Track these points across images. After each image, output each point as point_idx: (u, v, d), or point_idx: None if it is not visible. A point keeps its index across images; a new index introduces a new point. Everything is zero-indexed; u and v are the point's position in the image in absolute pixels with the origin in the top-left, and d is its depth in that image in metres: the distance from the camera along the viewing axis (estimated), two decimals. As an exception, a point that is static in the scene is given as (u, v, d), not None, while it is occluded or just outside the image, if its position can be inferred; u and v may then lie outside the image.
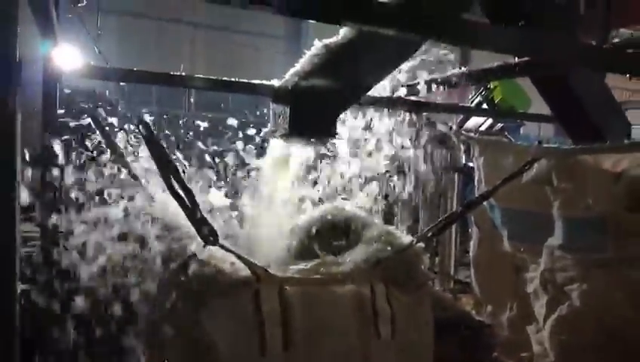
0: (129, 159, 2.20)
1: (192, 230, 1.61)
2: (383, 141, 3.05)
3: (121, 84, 7.85)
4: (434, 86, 2.87)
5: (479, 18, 2.12)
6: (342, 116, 2.42)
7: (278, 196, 2.34)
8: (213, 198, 2.17)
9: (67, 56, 2.40)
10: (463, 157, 3.90)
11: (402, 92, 3.02)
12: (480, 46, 1.36)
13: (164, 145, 1.54)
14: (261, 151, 2.36)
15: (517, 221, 2.69)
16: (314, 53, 2.04)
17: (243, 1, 1.15)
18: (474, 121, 4.61)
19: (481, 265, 3.01)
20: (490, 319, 2.81)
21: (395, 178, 3.36)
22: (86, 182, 2.21)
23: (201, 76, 2.69)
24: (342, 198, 2.61)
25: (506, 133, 3.82)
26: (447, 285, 3.95)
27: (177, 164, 1.55)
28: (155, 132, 1.50)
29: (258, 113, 9.93)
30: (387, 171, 3.22)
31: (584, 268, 2.27)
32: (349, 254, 2.00)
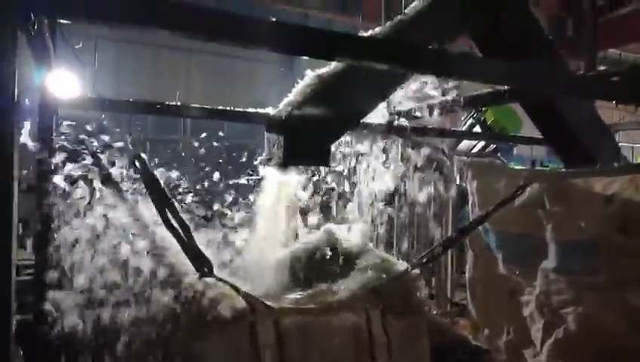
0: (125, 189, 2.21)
1: (188, 262, 1.61)
2: (377, 165, 3.08)
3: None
4: (427, 111, 2.91)
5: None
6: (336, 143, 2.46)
7: (274, 223, 2.35)
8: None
9: (63, 86, 2.43)
10: (457, 179, 3.94)
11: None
12: (467, 78, 1.41)
13: (160, 179, 1.56)
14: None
15: (511, 244, 2.70)
16: (307, 84, 2.08)
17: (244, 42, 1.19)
18: (467, 143, 4.66)
19: (477, 288, 3.01)
20: (487, 343, 2.80)
21: (390, 202, 3.38)
22: (79, 212, 2.21)
23: (196, 106, 2.72)
24: (337, 224, 2.62)
25: (499, 155, 3.87)
26: (445, 308, 3.94)
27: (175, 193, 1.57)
28: (149, 166, 1.52)
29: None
30: (383, 196, 3.24)
31: (578, 291, 2.28)
32: (345, 282, 2.01)
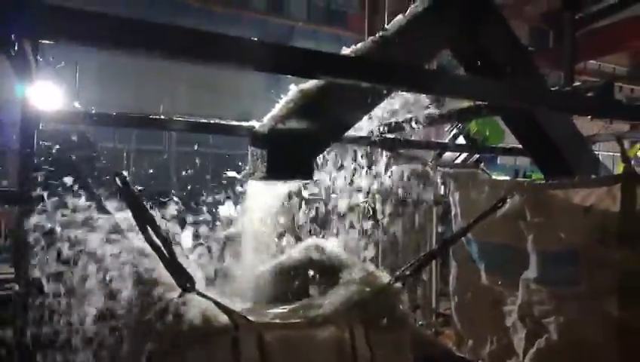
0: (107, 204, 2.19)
1: (169, 277, 1.60)
2: (361, 176, 3.11)
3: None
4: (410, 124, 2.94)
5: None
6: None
7: (258, 236, 2.35)
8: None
9: (45, 100, 2.41)
10: (441, 190, 3.97)
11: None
12: (443, 94, 1.43)
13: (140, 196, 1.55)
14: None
15: (493, 255, 2.73)
16: (289, 98, 2.10)
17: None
18: (450, 153, 4.71)
19: (460, 298, 3.03)
20: (471, 354, 2.82)
21: (374, 213, 3.40)
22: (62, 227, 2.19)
23: (180, 118, 2.72)
24: (321, 236, 2.63)
25: (482, 164, 3.92)
26: (430, 318, 3.95)
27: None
28: (130, 184, 1.51)
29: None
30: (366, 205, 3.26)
31: (559, 301, 2.31)
32: (329, 295, 2.01)
